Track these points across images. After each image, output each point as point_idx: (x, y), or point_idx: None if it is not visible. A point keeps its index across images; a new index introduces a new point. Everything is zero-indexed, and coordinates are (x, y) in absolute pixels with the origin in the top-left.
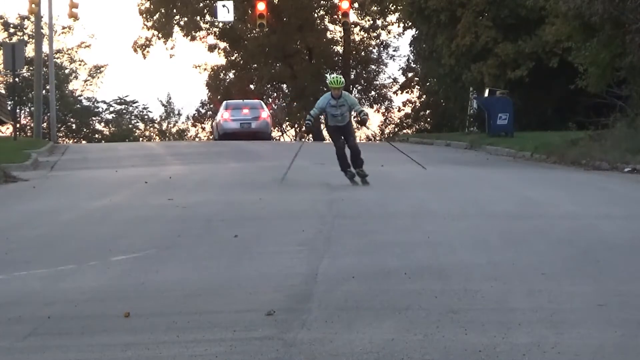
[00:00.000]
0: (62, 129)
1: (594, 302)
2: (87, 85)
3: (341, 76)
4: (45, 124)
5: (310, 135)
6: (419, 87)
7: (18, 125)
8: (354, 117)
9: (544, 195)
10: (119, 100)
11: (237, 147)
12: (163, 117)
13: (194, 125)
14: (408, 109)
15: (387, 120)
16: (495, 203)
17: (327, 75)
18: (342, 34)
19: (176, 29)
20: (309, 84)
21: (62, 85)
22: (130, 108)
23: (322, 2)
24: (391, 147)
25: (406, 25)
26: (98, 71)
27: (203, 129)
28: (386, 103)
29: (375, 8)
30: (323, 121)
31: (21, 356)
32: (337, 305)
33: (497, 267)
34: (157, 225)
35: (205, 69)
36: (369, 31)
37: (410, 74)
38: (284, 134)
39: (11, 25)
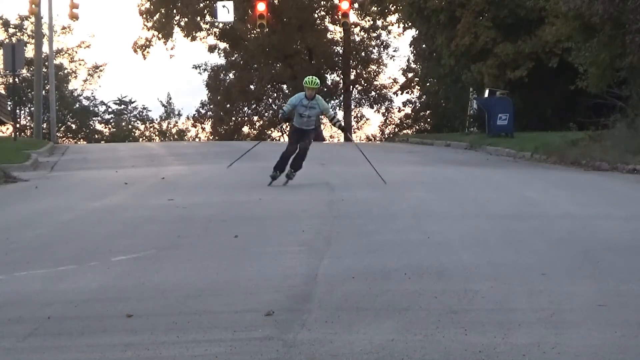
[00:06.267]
0: (62, 129)
1: (594, 302)
2: (86, 84)
3: (317, 78)
4: (45, 124)
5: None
6: (419, 88)
7: (18, 126)
8: (330, 124)
9: (544, 195)
10: (117, 101)
11: (237, 147)
12: (163, 117)
13: (194, 126)
14: (408, 110)
15: (387, 121)
16: (495, 203)
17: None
18: (342, 34)
19: (176, 29)
20: None
21: (61, 85)
22: (129, 107)
23: (322, 2)
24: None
25: (406, 25)
26: (98, 69)
27: (203, 129)
28: (386, 103)
29: (375, 8)
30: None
31: (21, 356)
32: (337, 305)
33: (497, 267)
34: (157, 225)
35: (205, 69)
36: (369, 31)
37: (410, 75)
38: (284, 135)
39: (10, 25)
